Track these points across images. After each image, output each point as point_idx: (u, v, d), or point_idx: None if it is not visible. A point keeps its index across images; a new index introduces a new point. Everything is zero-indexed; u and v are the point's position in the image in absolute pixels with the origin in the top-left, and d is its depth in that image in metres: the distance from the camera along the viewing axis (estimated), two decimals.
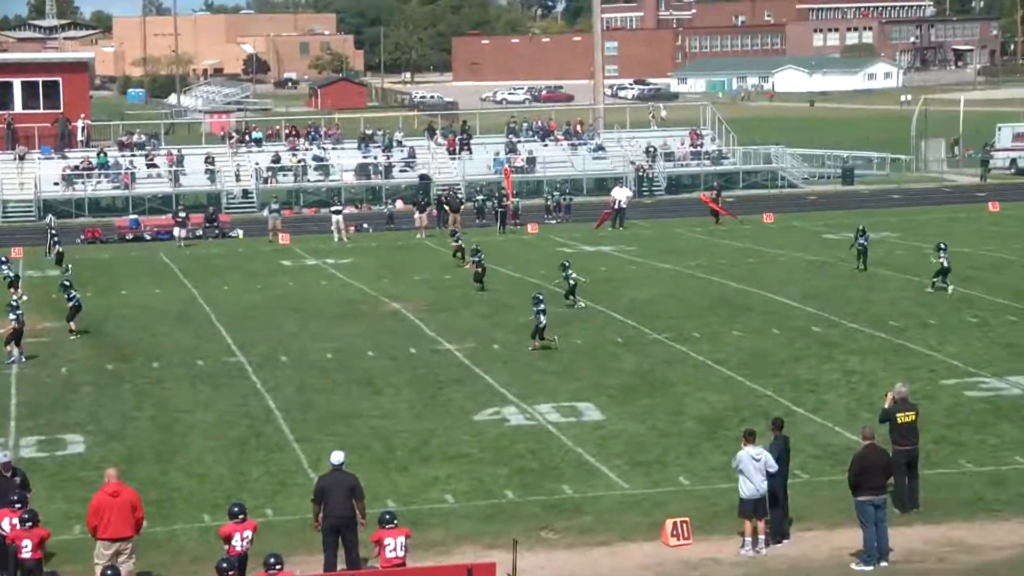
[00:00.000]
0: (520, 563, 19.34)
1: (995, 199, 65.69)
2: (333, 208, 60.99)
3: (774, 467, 20.82)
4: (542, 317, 34.08)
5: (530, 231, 59.81)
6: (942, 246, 41.11)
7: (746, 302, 40.50)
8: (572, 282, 39.54)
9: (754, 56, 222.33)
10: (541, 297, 34.62)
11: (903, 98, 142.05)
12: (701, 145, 79.24)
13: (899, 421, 22.11)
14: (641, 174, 74.99)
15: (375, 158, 74.81)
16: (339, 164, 73.74)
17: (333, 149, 75.78)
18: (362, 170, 74.17)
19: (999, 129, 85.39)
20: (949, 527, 21.62)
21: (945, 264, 40.60)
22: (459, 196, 64.63)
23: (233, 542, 19.04)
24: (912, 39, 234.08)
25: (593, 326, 37.58)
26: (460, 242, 48.88)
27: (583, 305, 39.67)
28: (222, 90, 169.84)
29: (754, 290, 42.46)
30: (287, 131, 77.60)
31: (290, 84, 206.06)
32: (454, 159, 75.37)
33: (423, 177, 71.52)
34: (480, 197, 64.53)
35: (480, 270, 43.32)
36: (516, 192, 66.75)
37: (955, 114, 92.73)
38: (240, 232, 62.09)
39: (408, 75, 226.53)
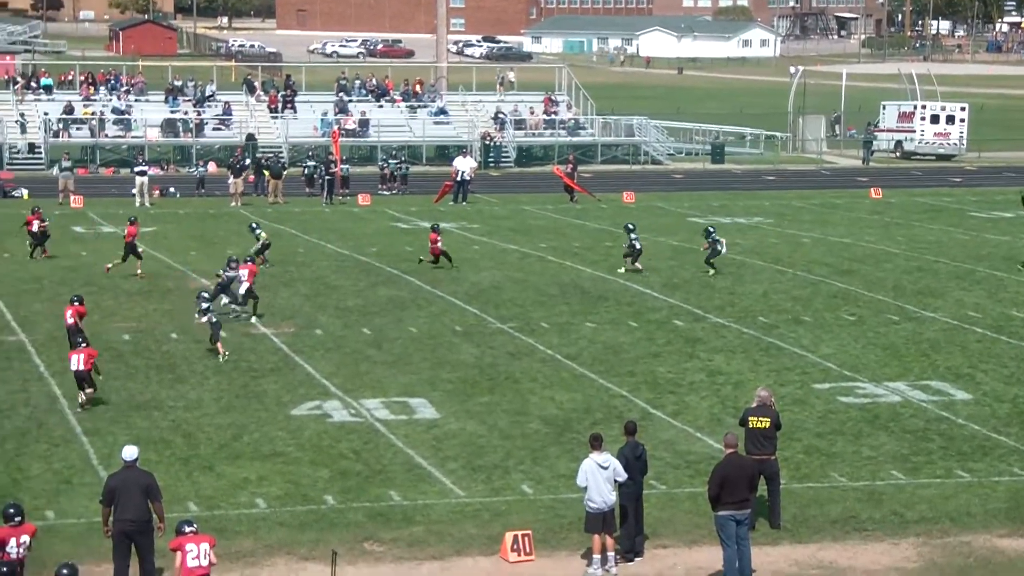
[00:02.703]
0: None
1: (878, 185, 67.05)
2: (136, 168, 60.13)
3: (623, 476, 21.01)
4: None
5: (361, 203, 59.62)
6: (711, 230, 43.82)
7: (602, 290, 40.82)
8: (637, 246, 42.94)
9: (617, 15, 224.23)
10: None
11: (792, 69, 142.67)
12: (556, 113, 79.64)
13: (751, 426, 22.58)
14: (488, 143, 75.17)
15: (185, 113, 73.94)
16: (142, 118, 72.72)
17: (136, 101, 74.70)
18: (169, 126, 73.25)
19: (883, 107, 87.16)
20: (818, 547, 22.02)
21: (721, 249, 43.09)
22: (281, 160, 64.10)
23: (8, 548, 18.74)
24: (792, 3, 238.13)
25: (429, 313, 37.58)
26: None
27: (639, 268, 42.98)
28: (6, 27, 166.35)
29: (611, 277, 42.83)
30: (82, 78, 76.30)
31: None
32: (276, 118, 74.82)
33: (250, 138, 70.59)
34: (311, 163, 63.72)
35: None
36: (346, 158, 66.44)
37: (836, 89, 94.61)
38: (25, 192, 60.88)
39: (225, 20, 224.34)
